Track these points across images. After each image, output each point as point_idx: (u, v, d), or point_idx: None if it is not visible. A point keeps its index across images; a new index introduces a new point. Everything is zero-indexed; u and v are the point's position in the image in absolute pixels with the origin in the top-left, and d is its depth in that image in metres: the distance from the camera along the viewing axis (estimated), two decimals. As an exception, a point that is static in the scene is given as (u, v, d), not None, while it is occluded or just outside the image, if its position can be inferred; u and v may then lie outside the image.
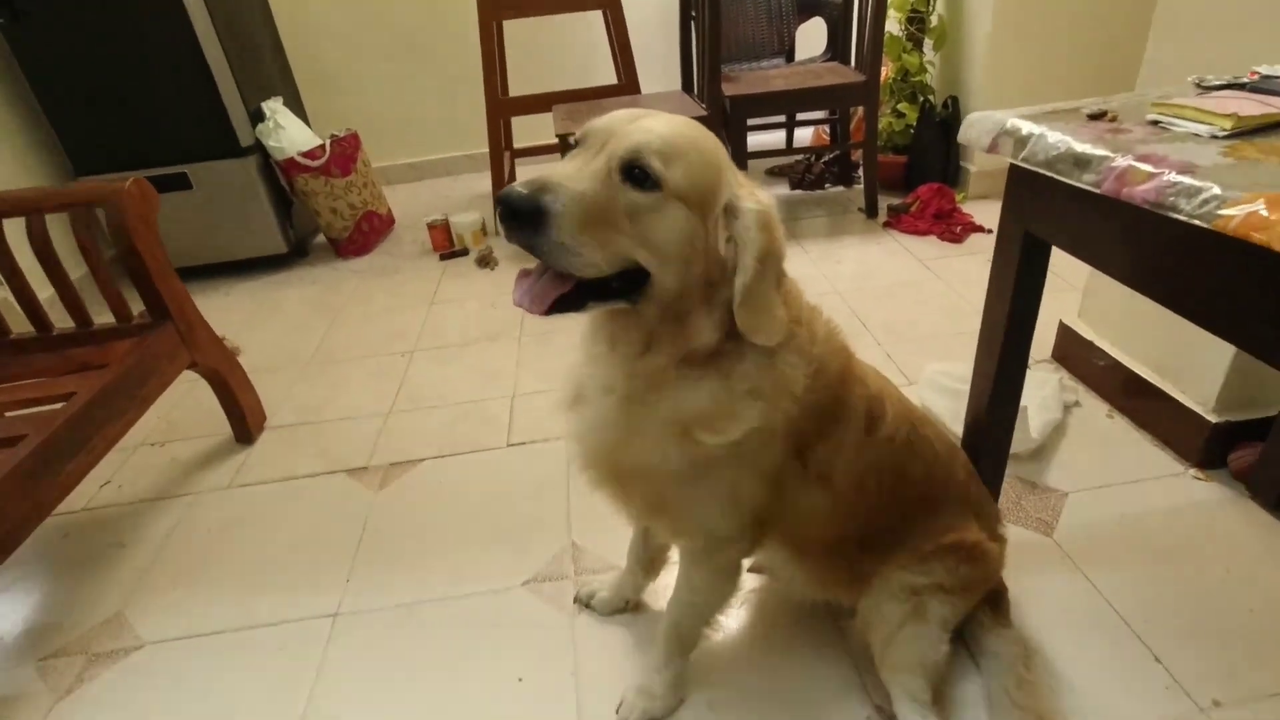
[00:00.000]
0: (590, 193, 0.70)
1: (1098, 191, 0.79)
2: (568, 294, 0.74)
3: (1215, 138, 0.79)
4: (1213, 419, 1.44)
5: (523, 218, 0.68)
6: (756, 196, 0.77)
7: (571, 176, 0.71)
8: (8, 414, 1.42)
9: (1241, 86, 0.91)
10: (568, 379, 0.94)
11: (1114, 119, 0.90)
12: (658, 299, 0.77)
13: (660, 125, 0.74)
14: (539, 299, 0.74)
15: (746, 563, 1.04)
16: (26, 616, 1.40)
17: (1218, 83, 0.94)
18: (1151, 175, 0.72)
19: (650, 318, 0.79)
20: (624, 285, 0.76)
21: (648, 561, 1.25)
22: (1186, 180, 0.69)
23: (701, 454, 0.83)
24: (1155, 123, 0.86)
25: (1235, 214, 0.63)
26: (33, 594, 1.45)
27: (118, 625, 1.36)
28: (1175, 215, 0.69)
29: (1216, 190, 0.66)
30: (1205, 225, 0.66)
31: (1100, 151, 0.79)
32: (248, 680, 1.24)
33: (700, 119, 0.82)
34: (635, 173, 0.71)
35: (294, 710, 1.18)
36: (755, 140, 3.23)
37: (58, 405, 1.34)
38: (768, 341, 0.77)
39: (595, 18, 2.90)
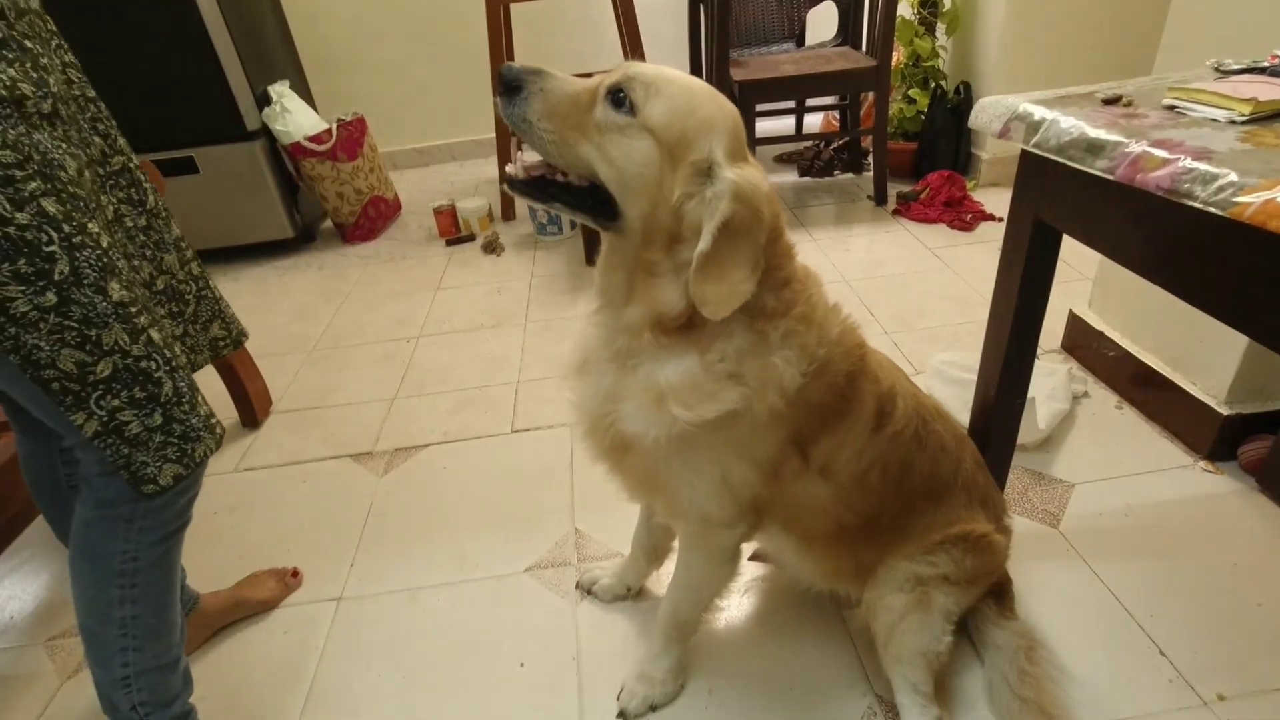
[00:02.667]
0: (571, 92, 0.77)
1: (1111, 178, 0.77)
2: (548, 183, 0.82)
3: (1233, 123, 0.78)
4: (1224, 411, 1.42)
5: (508, 88, 0.77)
6: (746, 171, 0.75)
7: (568, 80, 0.78)
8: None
9: (1262, 70, 0.89)
10: (575, 346, 0.95)
11: (1129, 104, 0.88)
12: (625, 233, 0.80)
13: (669, 71, 0.78)
14: (525, 168, 0.83)
15: (748, 549, 1.03)
16: (35, 597, 1.42)
17: (1237, 67, 0.92)
18: (1166, 161, 0.71)
19: (627, 258, 0.82)
20: (595, 205, 0.80)
21: (652, 549, 1.25)
22: (1202, 166, 0.67)
23: (678, 428, 0.82)
24: (1171, 108, 0.85)
25: (1252, 201, 0.62)
26: (40, 575, 1.47)
27: (124, 606, 1.37)
28: (1190, 202, 0.68)
29: (1233, 177, 0.64)
30: (1221, 213, 0.64)
31: (1114, 137, 0.78)
32: (252, 663, 1.25)
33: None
34: (619, 95, 0.76)
35: (297, 693, 1.19)
36: (764, 126, 3.21)
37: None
38: (712, 315, 0.76)
39: (603, 1, 2.87)
